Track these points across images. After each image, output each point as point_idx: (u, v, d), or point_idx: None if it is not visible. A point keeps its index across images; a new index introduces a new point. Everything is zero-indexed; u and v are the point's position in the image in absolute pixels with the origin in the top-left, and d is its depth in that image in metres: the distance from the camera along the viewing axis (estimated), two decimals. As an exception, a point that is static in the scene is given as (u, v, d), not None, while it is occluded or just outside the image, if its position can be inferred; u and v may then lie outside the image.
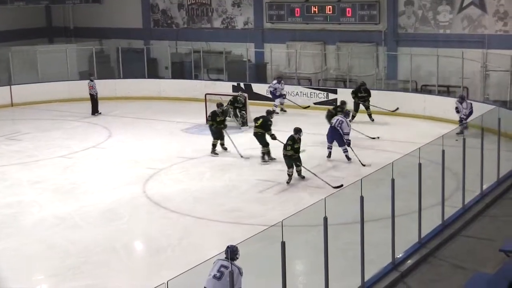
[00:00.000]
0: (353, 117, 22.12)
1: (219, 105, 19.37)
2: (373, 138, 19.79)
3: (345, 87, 25.14)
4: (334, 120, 18.15)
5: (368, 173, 11.02)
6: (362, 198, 9.66)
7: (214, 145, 18.59)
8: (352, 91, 22.85)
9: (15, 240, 12.90)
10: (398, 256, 10.70)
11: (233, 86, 25.82)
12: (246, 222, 13.38)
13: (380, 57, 25.46)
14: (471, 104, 20.19)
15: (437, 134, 13.21)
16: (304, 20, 26.91)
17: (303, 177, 16.05)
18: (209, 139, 18.89)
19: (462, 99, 20.32)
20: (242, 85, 25.87)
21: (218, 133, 18.60)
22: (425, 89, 24.35)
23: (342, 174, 16.33)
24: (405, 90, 24.17)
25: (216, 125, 18.50)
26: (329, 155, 17.91)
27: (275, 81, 24.12)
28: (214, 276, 8.45)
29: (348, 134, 17.76)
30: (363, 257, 9.73)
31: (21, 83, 27.03)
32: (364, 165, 16.72)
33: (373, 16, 25.55)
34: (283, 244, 8.20)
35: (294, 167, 16.01)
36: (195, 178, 16.66)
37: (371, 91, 22.76)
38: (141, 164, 17.71)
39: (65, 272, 11.38)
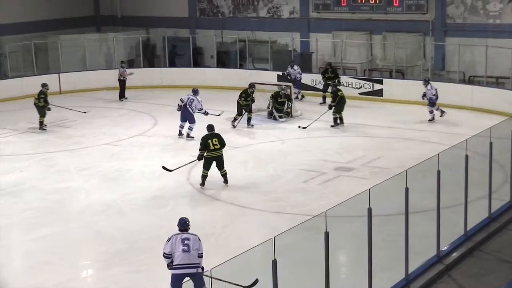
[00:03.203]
0: (324, 98, 23.23)
1: (251, 86, 20.57)
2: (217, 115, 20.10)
3: (391, 77, 24.92)
4: (184, 98, 19.47)
5: (414, 164, 10.86)
6: (407, 189, 9.58)
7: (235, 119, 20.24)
8: (321, 72, 23.84)
9: (61, 226, 13.09)
10: (443, 249, 10.58)
11: (278, 75, 25.75)
12: (289, 211, 13.36)
13: (427, 47, 25.14)
14: (436, 89, 20.67)
15: (484, 126, 13.00)
16: (350, 10, 26.68)
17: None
18: (255, 130, 19.76)
19: (427, 82, 20.66)
20: (286, 73, 25.77)
21: (240, 109, 20.32)
22: (473, 80, 23.95)
23: (387, 164, 16.20)
24: (453, 81, 23.83)
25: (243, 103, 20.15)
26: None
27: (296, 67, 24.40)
28: (183, 251, 9.02)
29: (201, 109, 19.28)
30: (407, 249, 9.63)
31: (69, 71, 27.39)
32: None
33: (421, 6, 25.20)
34: (326, 234, 8.18)
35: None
36: (239, 166, 16.69)
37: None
38: (186, 152, 17.73)
39: (110, 258, 11.52)
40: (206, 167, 14.94)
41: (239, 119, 20.33)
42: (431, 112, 20.60)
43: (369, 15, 26.41)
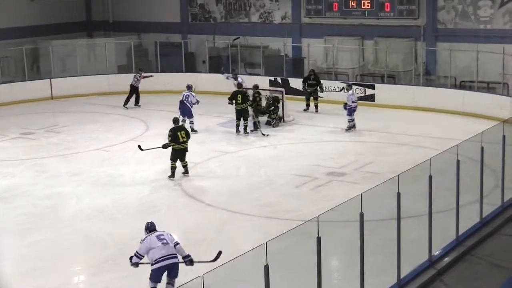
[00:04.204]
0: (307, 106, 23.09)
1: (256, 87, 21.27)
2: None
3: (383, 82, 24.98)
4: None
5: (406, 169, 10.88)
6: (399, 194, 9.59)
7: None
8: (303, 79, 23.51)
9: (53, 231, 13.06)
10: (435, 254, 10.60)
11: (270, 80, 25.83)
12: (281, 217, 13.38)
13: (418, 52, 25.23)
14: (357, 97, 20.83)
15: (475, 131, 13.05)
16: (342, 15, 26.77)
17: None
18: (249, 134, 20.00)
19: (349, 87, 20.71)
20: (279, 79, 25.86)
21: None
22: (464, 85, 24.04)
23: (379, 169, 16.23)
24: (444, 86, 23.92)
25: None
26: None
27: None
28: (163, 244, 9.61)
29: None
30: (399, 254, 9.65)
31: (61, 76, 27.39)
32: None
33: (412, 11, 25.31)
34: (318, 239, 8.18)
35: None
36: (231, 172, 16.73)
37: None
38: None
39: (102, 264, 11.50)
40: (174, 158, 15.77)
41: (259, 125, 20.27)
42: (351, 120, 20.21)
43: (361, 20, 26.50)
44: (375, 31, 26.28)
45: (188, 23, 31.27)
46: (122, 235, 12.61)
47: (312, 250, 8.25)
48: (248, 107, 20.16)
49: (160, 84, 27.19)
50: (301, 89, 23.70)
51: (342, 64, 26.70)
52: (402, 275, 9.76)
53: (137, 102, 24.79)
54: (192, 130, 19.83)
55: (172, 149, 15.74)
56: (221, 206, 14.18)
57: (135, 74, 25.20)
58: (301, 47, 27.81)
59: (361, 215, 8.86)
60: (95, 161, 17.90)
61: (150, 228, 9.97)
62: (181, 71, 28.17)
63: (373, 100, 24.08)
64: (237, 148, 18.94)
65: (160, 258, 9.61)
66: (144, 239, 9.78)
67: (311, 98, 23.24)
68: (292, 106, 22.69)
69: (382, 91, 24.06)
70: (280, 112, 21.40)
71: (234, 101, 19.96)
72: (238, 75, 23.45)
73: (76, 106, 25.14)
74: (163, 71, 28.22)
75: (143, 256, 9.77)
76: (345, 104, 20.23)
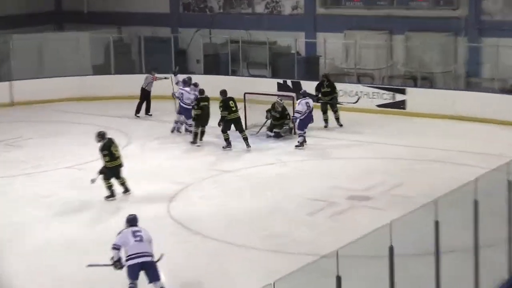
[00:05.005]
0: (326, 121, 22.38)
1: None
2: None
3: (415, 86, 24.90)
4: None
5: (443, 192, 10.76)
6: (437, 223, 9.46)
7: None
8: (316, 86, 22.76)
9: (16, 269, 12.87)
10: (481, 297, 10.46)
11: (278, 83, 25.74)
12: (292, 250, 13.24)
13: (459, 49, 25.14)
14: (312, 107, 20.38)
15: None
16: (365, 5, 26.83)
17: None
18: (252, 148, 20.05)
19: (302, 95, 20.72)
20: (289, 82, 25.73)
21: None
22: (515, 90, 23.90)
23: (411, 192, 16.07)
24: (490, 90, 23.76)
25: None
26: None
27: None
28: (136, 241, 10.82)
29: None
30: (437, 296, 9.50)
31: (24, 78, 27.20)
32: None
33: (451, 0, 25.27)
34: (338, 279, 8.06)
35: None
36: (231, 195, 16.67)
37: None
38: (166, 178, 17.75)
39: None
40: (109, 177, 16.28)
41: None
42: (302, 135, 20.15)
43: (389, 11, 26.48)
44: (406, 24, 26.21)
45: (179, 14, 31.33)
46: (99, 272, 12.14)
47: (330, 293, 8.10)
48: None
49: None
50: (314, 98, 22.95)
51: (366, 64, 26.65)
52: (441, 323, 9.63)
53: (147, 111, 24.82)
54: (187, 130, 21.50)
55: (107, 167, 16.22)
56: (218, 238, 14.01)
57: (146, 75, 25.17)
58: (316, 44, 27.79)
59: (391, 248, 8.74)
60: (66, 181, 17.78)
61: (130, 222, 11.23)
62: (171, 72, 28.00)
63: (404, 108, 24.05)
64: (238, 166, 18.86)
65: (132, 255, 10.79)
66: (120, 232, 11.12)
67: (329, 109, 22.69)
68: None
69: (415, 96, 23.99)
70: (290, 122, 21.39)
71: (226, 111, 20.16)
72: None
73: (43, 114, 25.06)
74: (148, 72, 27.98)
75: (120, 245, 11.00)
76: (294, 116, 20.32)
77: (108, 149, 16.20)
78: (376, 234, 8.94)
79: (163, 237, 14.03)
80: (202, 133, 20.65)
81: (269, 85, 25.36)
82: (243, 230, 14.43)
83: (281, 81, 25.94)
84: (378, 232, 8.88)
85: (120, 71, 28.49)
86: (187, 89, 21.25)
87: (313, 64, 27.47)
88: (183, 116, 21.53)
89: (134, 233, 10.95)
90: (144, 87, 24.66)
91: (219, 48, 29.34)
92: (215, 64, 28.93)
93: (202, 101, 20.52)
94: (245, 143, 20.05)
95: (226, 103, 19.86)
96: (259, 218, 15.04)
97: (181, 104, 21.30)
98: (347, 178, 17.57)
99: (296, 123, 20.20)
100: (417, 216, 10.30)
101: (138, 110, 24.62)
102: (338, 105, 22.70)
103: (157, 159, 19.70)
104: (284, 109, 21.30)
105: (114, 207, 15.95)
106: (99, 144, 16.26)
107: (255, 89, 23.37)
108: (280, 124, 21.30)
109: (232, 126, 20.23)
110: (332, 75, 25.20)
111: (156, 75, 24.83)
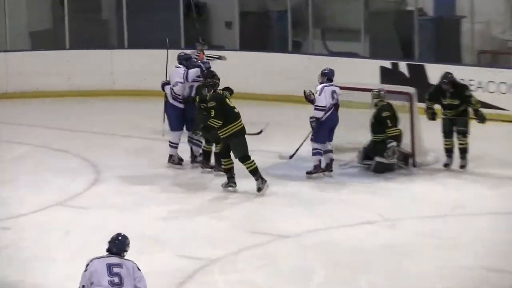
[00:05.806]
0: (448, 150, 15.62)
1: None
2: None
3: None
4: None
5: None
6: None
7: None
8: (429, 94, 15.78)
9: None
10: None
11: (381, 68, 19.17)
12: None
13: None
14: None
15: None
16: None
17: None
18: (324, 194, 14.91)
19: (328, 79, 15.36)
20: (402, 66, 19.17)
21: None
22: None
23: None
24: None
25: None
26: None
27: None
28: (112, 283, 8.23)
29: None
30: None
31: None
32: None
33: None
34: None
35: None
36: (291, 281, 12.09)
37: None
38: (169, 248, 12.96)
39: None
40: None
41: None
42: (318, 152, 15.07)
43: None
44: None
45: None
46: None
47: None
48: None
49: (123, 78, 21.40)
50: (426, 111, 15.61)
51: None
52: None
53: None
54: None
55: None
56: None
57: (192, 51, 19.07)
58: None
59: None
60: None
61: (112, 246, 8.54)
62: (179, 47, 20.97)
63: None
64: (304, 228, 13.51)
65: None
66: (88, 264, 8.30)
67: (454, 131, 15.66)
68: (432, 127, 16.02)
69: None
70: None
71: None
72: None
73: None
74: (131, 46, 21.66)
75: None
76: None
77: None
78: None
79: None
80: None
81: (365, 70, 18.87)
82: None
83: (388, 63, 19.23)
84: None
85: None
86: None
87: (449, 33, 20.42)
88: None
89: (110, 268, 8.35)
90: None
91: (269, 1, 22.61)
92: (262, 30, 22.26)
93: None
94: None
95: None
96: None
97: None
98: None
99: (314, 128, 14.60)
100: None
101: None
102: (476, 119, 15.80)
103: (150, 212, 14.25)
104: (390, 109, 14.70)
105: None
106: None
107: (343, 77, 16.26)
108: (382, 141, 14.61)
109: None
110: (486, 54, 19.06)
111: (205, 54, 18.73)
